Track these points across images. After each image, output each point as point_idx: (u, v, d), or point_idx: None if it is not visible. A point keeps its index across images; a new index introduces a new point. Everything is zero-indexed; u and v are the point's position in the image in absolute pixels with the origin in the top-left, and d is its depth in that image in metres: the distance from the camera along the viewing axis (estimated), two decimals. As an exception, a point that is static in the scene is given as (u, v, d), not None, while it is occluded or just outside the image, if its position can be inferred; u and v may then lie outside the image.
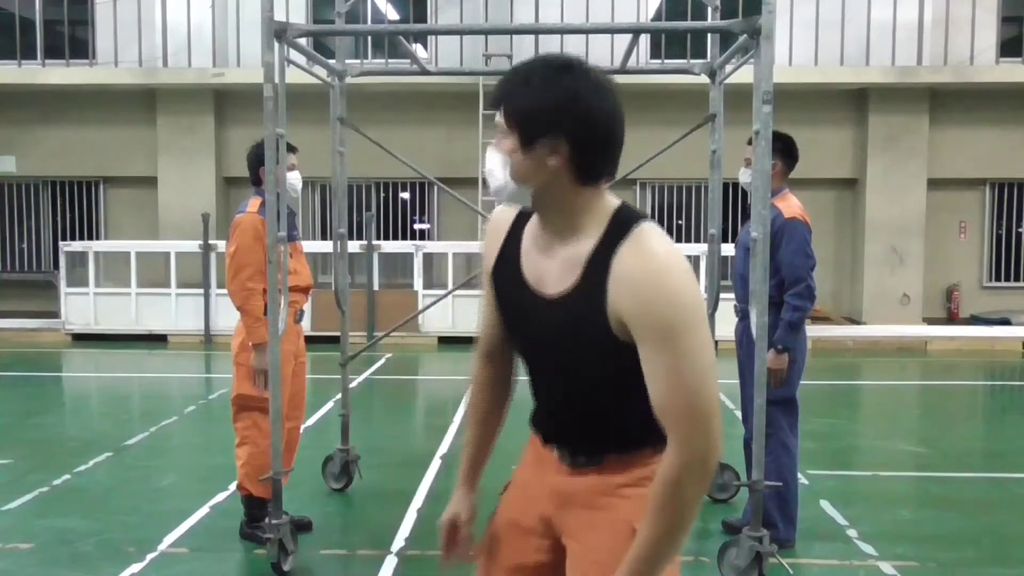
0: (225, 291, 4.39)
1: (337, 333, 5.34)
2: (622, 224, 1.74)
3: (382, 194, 13.86)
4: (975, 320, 13.16)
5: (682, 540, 1.73)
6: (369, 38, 13.18)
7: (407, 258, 11.91)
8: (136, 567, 4.08)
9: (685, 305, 1.66)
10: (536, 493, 1.98)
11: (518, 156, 1.74)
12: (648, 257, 1.68)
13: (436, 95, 12.93)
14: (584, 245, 1.75)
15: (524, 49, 12.65)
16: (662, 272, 1.67)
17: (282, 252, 3.99)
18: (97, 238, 13.80)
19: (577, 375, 1.85)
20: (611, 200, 1.80)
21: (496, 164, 1.78)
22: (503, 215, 1.97)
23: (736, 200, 12.92)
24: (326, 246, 11.39)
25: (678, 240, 13.59)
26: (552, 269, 1.81)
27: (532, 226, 1.88)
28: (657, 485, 1.69)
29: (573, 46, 12.69)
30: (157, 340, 11.66)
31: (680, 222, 13.83)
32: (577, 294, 1.75)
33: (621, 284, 1.69)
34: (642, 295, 1.66)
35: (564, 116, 1.69)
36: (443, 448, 6.24)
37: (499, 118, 1.77)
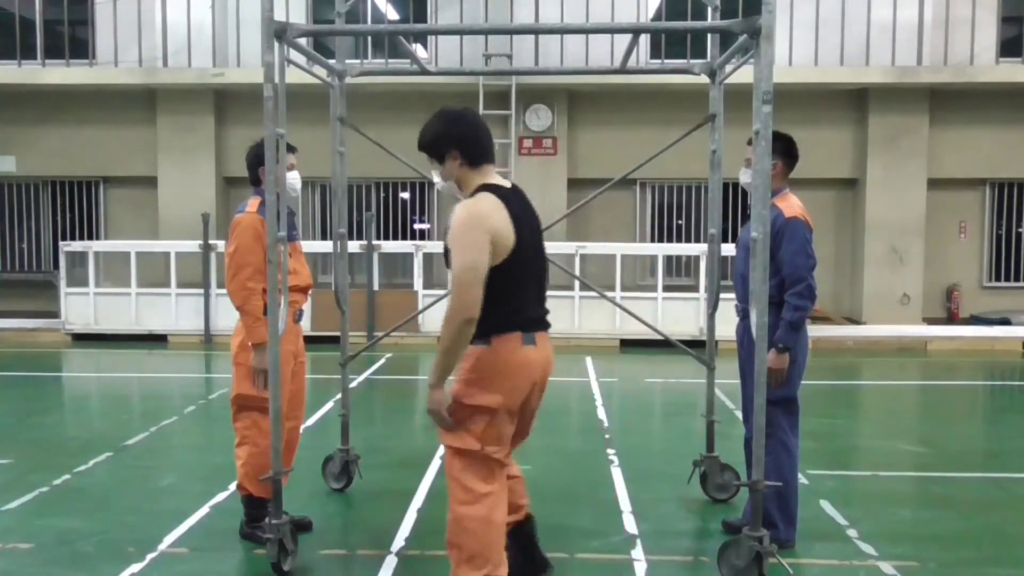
0: (225, 291, 4.39)
1: (337, 333, 5.34)
2: (475, 192, 3.22)
3: (382, 194, 13.87)
4: (975, 320, 13.16)
5: (448, 351, 3.11)
6: (369, 38, 13.19)
7: (407, 258, 11.92)
8: (136, 567, 4.08)
9: (463, 221, 3.11)
10: None
11: (445, 167, 3.31)
12: (464, 202, 3.20)
13: (436, 95, 12.90)
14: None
15: (524, 49, 12.67)
16: (462, 206, 3.17)
17: (282, 252, 3.99)
18: (97, 238, 13.81)
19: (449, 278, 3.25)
20: (488, 180, 3.26)
21: (437, 178, 3.38)
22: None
23: (736, 200, 12.92)
24: (326, 246, 11.40)
25: (678, 240, 13.62)
26: None
27: None
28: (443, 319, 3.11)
29: (573, 46, 12.73)
30: (157, 340, 11.66)
31: (680, 222, 13.83)
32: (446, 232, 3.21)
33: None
34: (453, 217, 3.15)
35: (441, 140, 3.28)
36: (443, 448, 6.23)
37: (429, 156, 3.34)
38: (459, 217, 3.11)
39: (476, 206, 3.13)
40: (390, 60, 13.09)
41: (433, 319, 11.26)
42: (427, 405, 3.23)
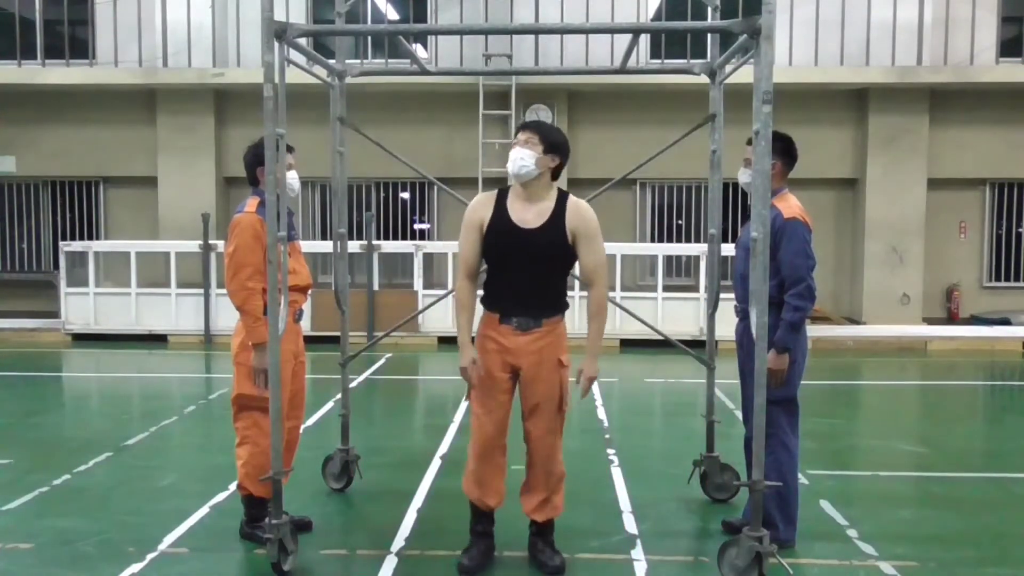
0: (225, 291, 4.39)
1: (337, 333, 5.34)
2: (563, 194, 3.95)
3: (382, 194, 13.87)
4: (975, 320, 13.16)
5: (605, 326, 3.94)
6: (369, 38, 13.19)
7: (407, 258, 11.91)
8: (136, 567, 4.08)
9: (597, 225, 3.91)
10: (499, 350, 3.91)
11: (542, 158, 3.88)
12: (582, 205, 3.94)
13: (436, 95, 12.93)
14: (548, 203, 3.91)
15: (524, 49, 12.66)
16: (588, 210, 3.93)
17: (282, 252, 3.99)
18: (97, 238, 13.80)
19: (544, 269, 3.89)
20: (554, 186, 3.99)
21: (529, 156, 3.84)
22: (487, 195, 4.00)
23: (736, 200, 12.92)
24: (326, 246, 11.39)
25: (678, 240, 13.63)
26: (531, 215, 3.88)
27: (512, 196, 3.94)
28: (593, 304, 3.91)
29: (573, 46, 12.73)
30: (157, 340, 11.66)
31: (680, 222, 13.83)
32: (550, 224, 3.86)
33: (573, 216, 3.87)
34: (583, 219, 3.88)
35: (561, 148, 3.94)
36: (443, 448, 6.24)
37: (530, 135, 3.88)
38: (594, 219, 3.91)
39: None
40: (390, 60, 13.09)
41: (433, 319, 11.29)
42: (593, 373, 3.89)
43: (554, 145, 3.88)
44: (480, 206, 3.94)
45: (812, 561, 4.20)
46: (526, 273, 3.88)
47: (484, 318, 4.01)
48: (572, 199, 3.93)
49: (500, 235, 3.87)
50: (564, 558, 4.07)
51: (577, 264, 4.00)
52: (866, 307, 13.00)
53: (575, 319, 11.25)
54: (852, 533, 4.57)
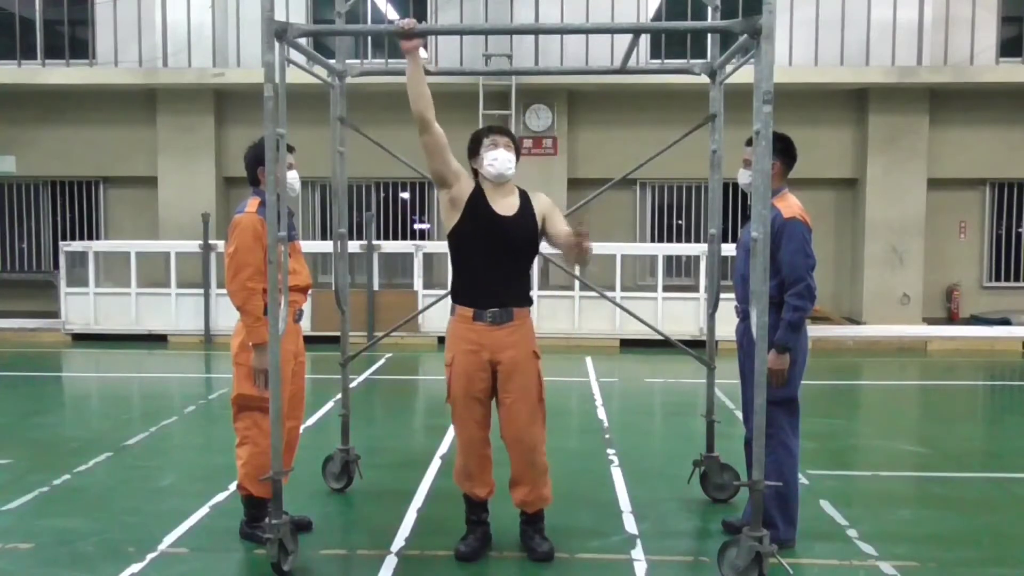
0: (225, 291, 4.39)
1: (337, 333, 5.34)
2: (523, 190, 4.20)
3: (382, 194, 13.87)
4: (975, 320, 13.16)
5: None
6: (369, 38, 13.19)
7: (407, 258, 11.91)
8: (136, 567, 4.08)
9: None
10: (476, 349, 4.02)
11: (515, 160, 4.17)
12: (540, 193, 4.24)
13: (436, 95, 12.71)
14: (515, 198, 4.14)
15: (524, 49, 12.67)
16: (544, 195, 4.24)
17: (282, 252, 3.99)
18: (97, 238, 13.81)
19: (516, 257, 4.08)
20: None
21: (512, 159, 4.13)
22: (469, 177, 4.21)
23: (736, 200, 12.92)
24: (326, 246, 11.40)
25: (678, 240, 13.64)
26: (504, 206, 4.08)
27: (487, 189, 4.11)
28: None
29: (573, 46, 12.73)
30: (157, 340, 11.66)
31: (680, 222, 13.83)
32: (521, 213, 4.09)
33: (538, 203, 4.17)
34: (546, 201, 4.21)
35: (519, 149, 4.25)
36: (443, 448, 6.24)
37: (508, 140, 4.16)
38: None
39: None
40: (390, 60, 13.09)
41: (433, 319, 11.28)
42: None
43: (518, 147, 4.26)
44: (468, 177, 4.16)
45: (812, 561, 4.20)
46: (498, 261, 4.04)
47: (456, 315, 4.11)
48: (530, 191, 4.23)
49: (478, 219, 4.03)
50: (553, 544, 4.18)
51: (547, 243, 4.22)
52: (866, 307, 13.00)
53: (576, 318, 11.30)
54: (852, 533, 4.57)
